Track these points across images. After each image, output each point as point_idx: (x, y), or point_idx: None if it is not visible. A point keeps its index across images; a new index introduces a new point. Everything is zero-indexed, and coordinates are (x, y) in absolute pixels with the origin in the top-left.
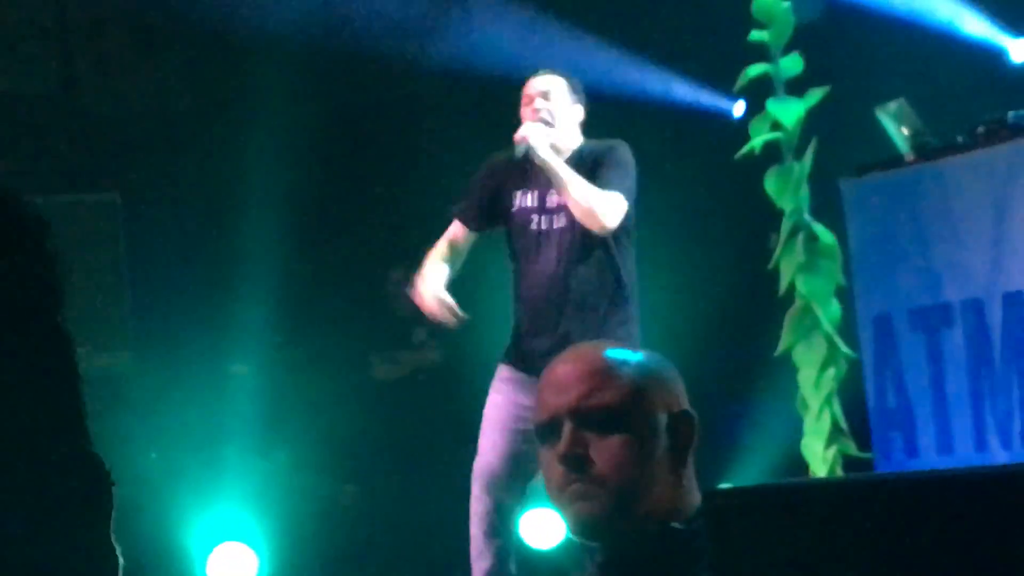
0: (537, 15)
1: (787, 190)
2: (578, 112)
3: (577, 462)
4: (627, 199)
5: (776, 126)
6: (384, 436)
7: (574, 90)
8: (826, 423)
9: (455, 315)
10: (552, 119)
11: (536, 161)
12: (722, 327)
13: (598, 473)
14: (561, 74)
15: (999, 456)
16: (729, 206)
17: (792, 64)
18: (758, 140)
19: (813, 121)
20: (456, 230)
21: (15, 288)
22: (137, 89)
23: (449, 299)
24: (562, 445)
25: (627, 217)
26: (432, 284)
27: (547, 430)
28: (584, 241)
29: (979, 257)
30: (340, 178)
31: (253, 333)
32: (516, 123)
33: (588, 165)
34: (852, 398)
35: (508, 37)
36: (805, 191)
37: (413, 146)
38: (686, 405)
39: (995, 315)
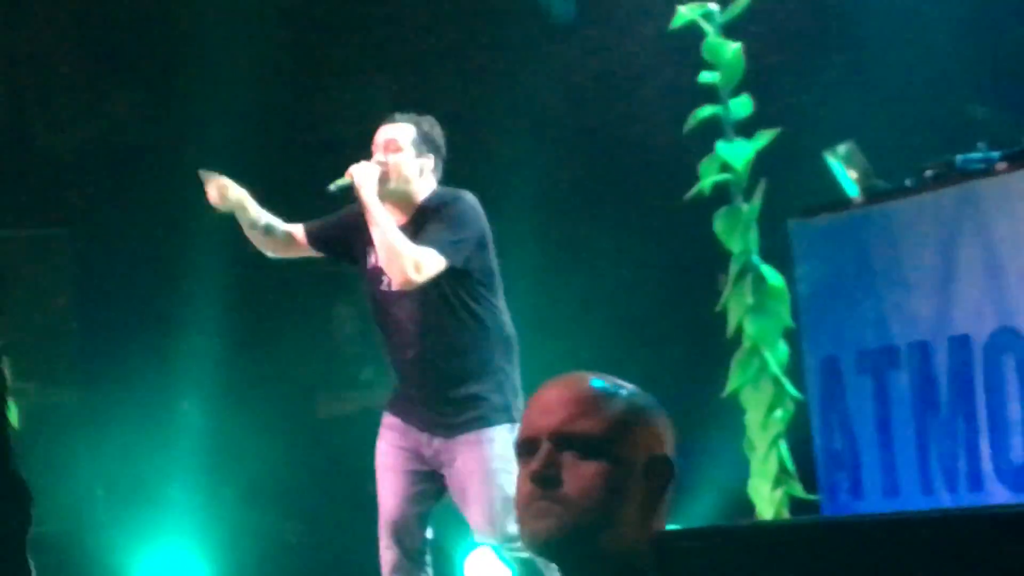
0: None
1: (736, 231)
2: (427, 162)
3: (547, 481)
4: (447, 255)
5: (725, 167)
6: (330, 474)
7: (424, 139)
8: (773, 465)
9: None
10: (392, 170)
11: (359, 199)
12: (670, 368)
13: (566, 494)
14: (413, 120)
15: (944, 499)
16: (678, 247)
17: (741, 106)
18: (707, 181)
19: (762, 163)
20: (295, 229)
21: None
22: (85, 123)
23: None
24: (535, 462)
25: (473, 269)
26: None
27: (526, 448)
28: (436, 300)
29: (926, 300)
30: (289, 214)
31: (200, 370)
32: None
33: (423, 218)
34: (799, 440)
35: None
36: (754, 233)
37: None
38: (668, 451)
39: (941, 358)
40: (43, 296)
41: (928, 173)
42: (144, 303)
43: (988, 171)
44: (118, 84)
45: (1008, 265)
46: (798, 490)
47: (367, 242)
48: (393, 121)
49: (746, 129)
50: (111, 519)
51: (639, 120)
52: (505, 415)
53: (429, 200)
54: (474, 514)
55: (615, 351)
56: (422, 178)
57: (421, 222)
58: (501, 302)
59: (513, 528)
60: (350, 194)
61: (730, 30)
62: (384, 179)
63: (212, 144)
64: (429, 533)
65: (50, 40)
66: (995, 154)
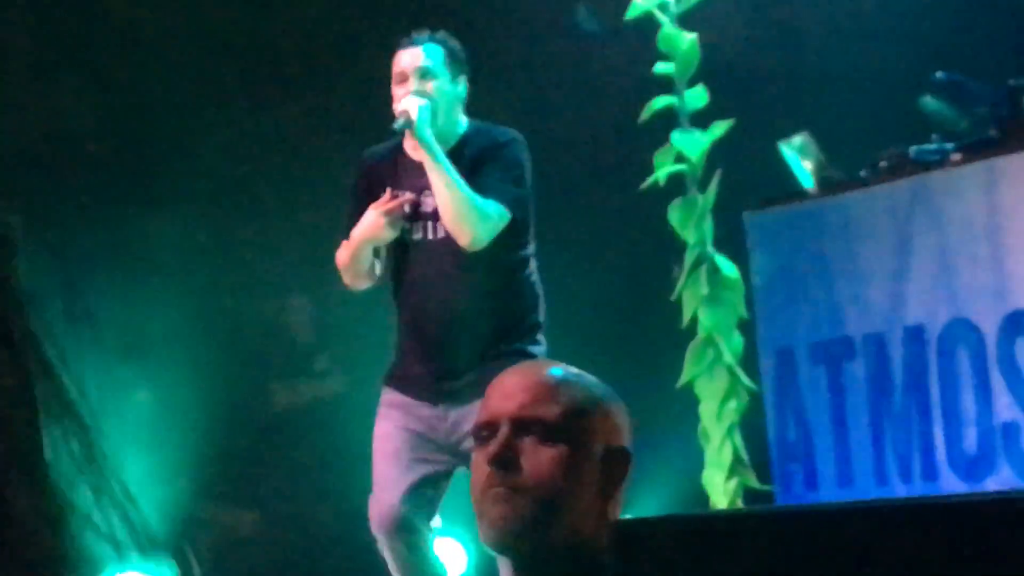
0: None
1: (691, 222)
2: (461, 88)
3: (505, 464)
4: (511, 210)
5: (680, 158)
6: (285, 465)
7: (455, 57)
8: (727, 455)
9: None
10: (434, 99)
11: (417, 142)
12: (624, 358)
13: (524, 479)
14: (439, 40)
15: (899, 489)
16: (633, 237)
17: (697, 97)
18: (662, 172)
19: (717, 154)
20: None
21: None
22: (31, 118)
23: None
24: (494, 446)
25: (520, 225)
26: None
27: (484, 432)
28: (475, 252)
29: (881, 291)
30: (244, 202)
31: (154, 359)
32: None
33: (469, 161)
34: (753, 431)
35: None
36: (709, 223)
37: (320, 174)
38: (625, 441)
39: (896, 349)
40: None
41: (883, 164)
42: (97, 289)
43: (943, 162)
44: (69, 72)
45: (962, 256)
46: (752, 481)
47: (394, 183)
48: (414, 43)
49: (701, 120)
50: (63, 512)
51: (594, 110)
52: None
53: (472, 136)
54: None
55: (569, 340)
56: (461, 106)
57: (468, 163)
58: (535, 257)
59: None
60: (402, 132)
61: (686, 21)
62: (436, 113)
63: (167, 131)
64: (437, 522)
65: None
66: (949, 146)
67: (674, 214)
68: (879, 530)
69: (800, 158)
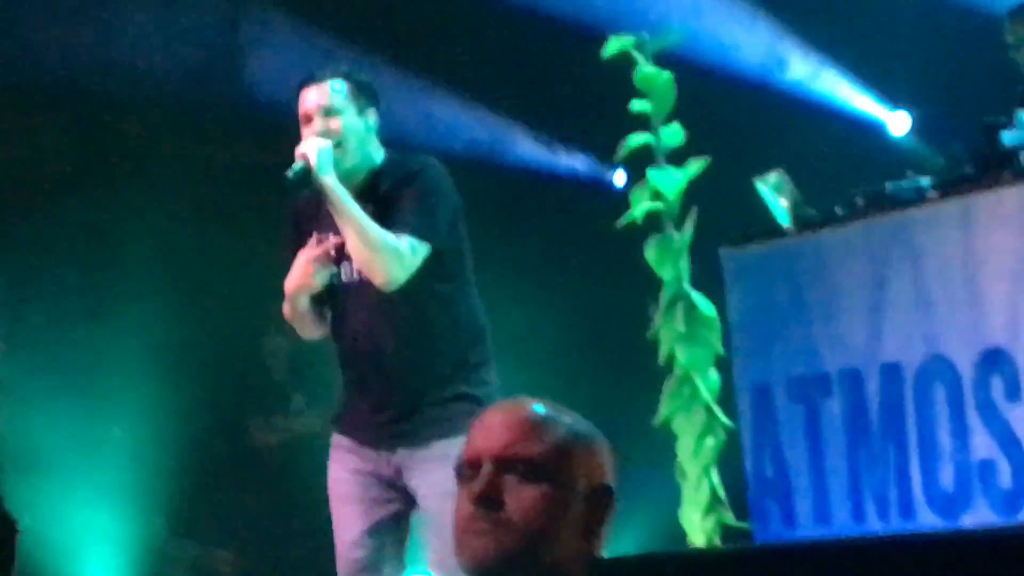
0: (421, 83)
1: (667, 259)
2: (373, 117)
3: (489, 503)
4: (427, 241)
5: (657, 195)
6: (261, 502)
7: (362, 91)
8: (704, 493)
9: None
10: (340, 138)
11: (317, 184)
12: (601, 395)
13: (507, 516)
14: (342, 74)
15: (876, 526)
16: (610, 275)
17: (673, 134)
18: (639, 209)
19: (694, 191)
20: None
21: None
22: (13, 151)
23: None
24: (478, 485)
25: (446, 256)
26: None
27: (467, 470)
28: (401, 288)
29: (857, 328)
30: (219, 240)
31: (131, 397)
32: None
33: (384, 196)
34: (731, 468)
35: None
36: (685, 261)
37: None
38: (609, 479)
39: (872, 386)
40: None
41: (859, 201)
42: (73, 328)
43: (919, 200)
44: (47, 111)
45: (938, 293)
46: (730, 518)
47: (319, 227)
48: (316, 80)
49: (677, 157)
50: (39, 548)
51: (571, 146)
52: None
53: (387, 169)
54: (433, 547)
55: (546, 377)
56: (372, 139)
57: (382, 197)
58: (472, 286)
59: None
60: (306, 180)
61: (661, 59)
62: (339, 151)
63: (142, 169)
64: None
65: None
66: (925, 182)
67: (651, 251)
68: (857, 567)
69: (776, 195)
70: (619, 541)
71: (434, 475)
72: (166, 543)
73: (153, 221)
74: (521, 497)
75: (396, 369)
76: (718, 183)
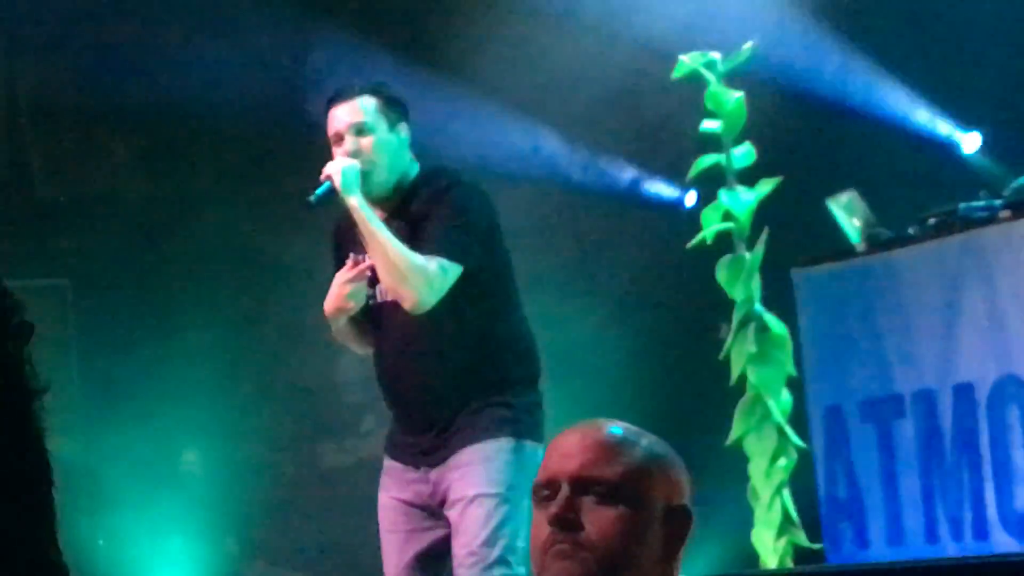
0: (493, 107)
1: (739, 280)
2: (404, 133)
3: (568, 525)
4: (458, 261)
5: (728, 216)
6: (332, 524)
7: (391, 106)
8: (777, 514)
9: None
10: (370, 156)
11: (345, 204)
12: (673, 416)
13: (586, 538)
14: (370, 89)
15: (949, 548)
16: (681, 296)
17: (744, 155)
18: (710, 230)
19: (765, 211)
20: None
21: None
22: (88, 175)
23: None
24: (555, 507)
25: (481, 275)
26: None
27: (544, 492)
28: (452, 303)
29: (930, 349)
30: (289, 264)
31: (203, 420)
32: None
33: (415, 212)
34: (803, 489)
35: (465, 133)
36: (756, 281)
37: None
38: (686, 500)
39: (946, 407)
40: (44, 347)
41: (931, 221)
42: (146, 353)
43: (991, 219)
44: (121, 135)
45: (1011, 313)
46: (802, 539)
47: (356, 248)
48: (344, 98)
49: (749, 177)
50: (112, 571)
51: (642, 167)
52: (509, 428)
53: (417, 184)
54: (455, 552)
55: (618, 398)
56: (405, 154)
57: (413, 215)
58: (513, 305)
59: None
60: (333, 199)
61: (732, 79)
62: (365, 173)
63: (214, 194)
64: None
65: (52, 93)
66: (997, 202)
67: (722, 272)
68: None
69: (848, 215)
70: (692, 563)
71: (461, 482)
72: (237, 564)
73: (225, 245)
74: (599, 519)
75: (430, 389)
76: (790, 203)
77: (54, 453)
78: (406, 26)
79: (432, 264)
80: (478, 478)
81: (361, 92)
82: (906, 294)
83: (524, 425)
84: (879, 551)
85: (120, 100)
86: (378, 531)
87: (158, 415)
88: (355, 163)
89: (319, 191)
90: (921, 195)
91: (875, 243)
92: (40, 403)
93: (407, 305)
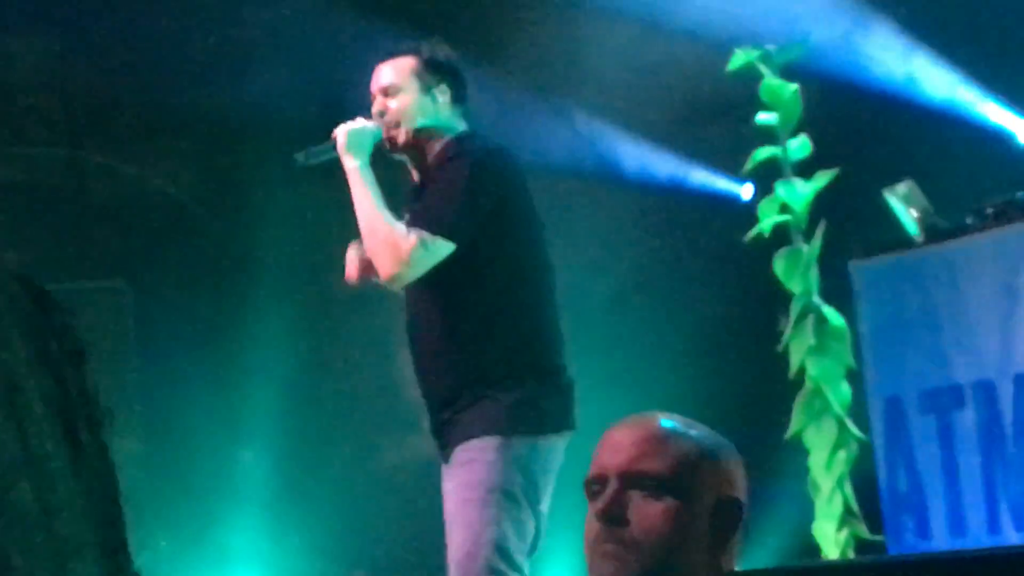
0: (552, 102)
1: (796, 272)
2: (442, 96)
3: (614, 520)
4: (447, 237)
5: (785, 208)
6: (395, 521)
7: (430, 66)
8: (837, 506)
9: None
10: (396, 120)
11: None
12: (732, 410)
13: (632, 534)
14: (412, 50)
15: (1012, 538)
16: (738, 289)
17: (800, 147)
18: (767, 223)
19: (822, 203)
20: None
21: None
22: (144, 176)
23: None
24: (602, 502)
25: (477, 256)
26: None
27: (594, 486)
28: (430, 289)
29: (989, 338)
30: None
31: (262, 418)
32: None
33: (430, 177)
34: (863, 480)
35: (531, 128)
36: (814, 273)
37: None
38: (737, 492)
39: (1006, 396)
40: (102, 348)
41: (989, 211)
42: (204, 353)
43: None
44: (178, 136)
45: None
46: (863, 531)
47: (409, 201)
48: (387, 59)
49: (805, 169)
50: (174, 570)
51: (698, 161)
52: (495, 426)
53: (446, 150)
54: (448, 548)
55: (677, 392)
56: (442, 117)
57: (428, 182)
58: (516, 294)
59: None
60: (316, 161)
61: (787, 71)
62: (389, 136)
63: (273, 194)
64: None
65: (108, 94)
66: None
67: (779, 265)
68: None
69: (905, 206)
70: (752, 555)
71: (452, 481)
72: (301, 562)
73: (286, 245)
74: (646, 513)
75: (425, 373)
76: (846, 194)
77: (115, 457)
78: (466, 29)
79: (410, 237)
80: (460, 481)
81: (403, 53)
82: (964, 284)
83: (514, 421)
84: (941, 542)
85: (177, 102)
86: (441, 525)
87: (216, 415)
88: (367, 125)
89: (317, 149)
90: (978, 185)
91: (933, 234)
92: (100, 418)
93: (381, 277)
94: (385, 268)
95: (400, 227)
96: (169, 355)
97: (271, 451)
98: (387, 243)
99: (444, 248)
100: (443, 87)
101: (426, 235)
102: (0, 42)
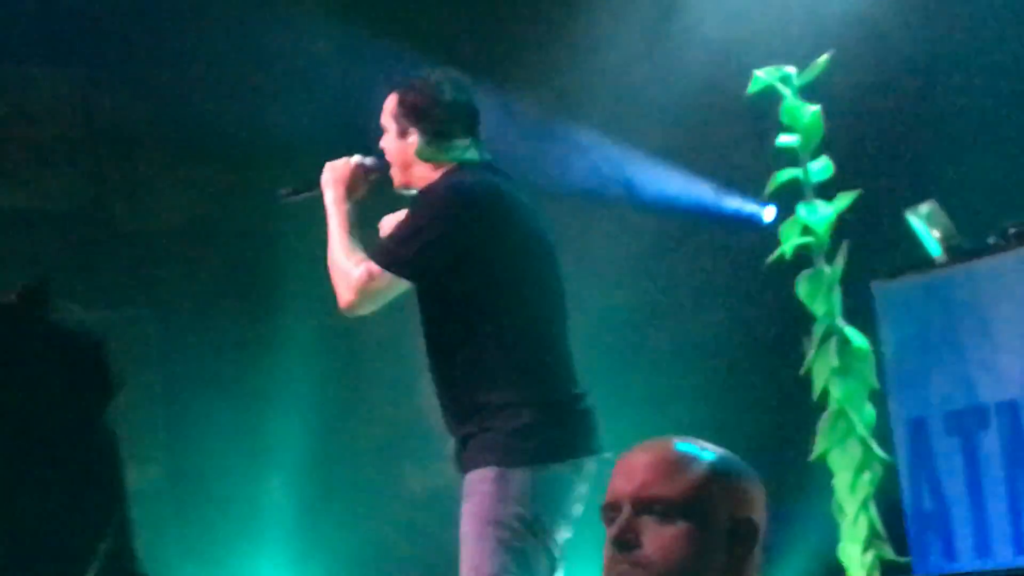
0: (562, 123)
1: (819, 294)
2: (410, 140)
3: (627, 546)
4: (396, 272)
5: (807, 230)
6: (418, 547)
7: (405, 111)
8: (863, 527)
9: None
10: (389, 157)
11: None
12: (756, 433)
13: (645, 558)
14: (398, 91)
15: None
16: (761, 311)
17: (822, 168)
18: (789, 245)
19: (844, 224)
20: None
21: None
22: (167, 204)
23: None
24: (615, 528)
25: (451, 282)
26: None
27: (609, 512)
28: (426, 322)
29: (1013, 359)
30: None
31: (286, 445)
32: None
33: None
34: (888, 502)
35: (553, 153)
36: (837, 295)
37: None
38: (752, 512)
39: None
40: (126, 376)
41: (1012, 231)
42: (228, 381)
43: None
44: (201, 163)
45: None
46: (889, 553)
47: None
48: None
49: (827, 191)
50: None
51: (719, 183)
52: (492, 456)
53: (423, 187)
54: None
55: (698, 415)
56: (424, 156)
57: None
58: (506, 327)
59: None
60: (298, 195)
61: (808, 92)
62: (391, 174)
63: (297, 222)
64: None
65: (132, 121)
66: None
67: (802, 287)
68: None
69: (928, 227)
70: None
71: (462, 510)
72: None
73: (311, 273)
74: (659, 537)
75: (441, 403)
76: (868, 216)
77: (136, 481)
78: (501, 57)
79: (360, 268)
80: (464, 512)
81: (394, 89)
82: (988, 304)
83: (511, 451)
84: (967, 563)
85: (200, 129)
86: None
87: (242, 444)
88: (356, 159)
89: (292, 187)
90: (1001, 205)
91: (956, 254)
92: (117, 439)
93: (339, 306)
94: (340, 297)
95: (356, 258)
96: (193, 383)
97: (295, 478)
98: (342, 273)
99: (393, 281)
100: (413, 131)
101: (374, 267)
102: (25, 70)
